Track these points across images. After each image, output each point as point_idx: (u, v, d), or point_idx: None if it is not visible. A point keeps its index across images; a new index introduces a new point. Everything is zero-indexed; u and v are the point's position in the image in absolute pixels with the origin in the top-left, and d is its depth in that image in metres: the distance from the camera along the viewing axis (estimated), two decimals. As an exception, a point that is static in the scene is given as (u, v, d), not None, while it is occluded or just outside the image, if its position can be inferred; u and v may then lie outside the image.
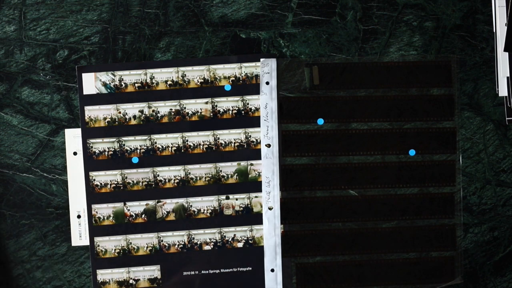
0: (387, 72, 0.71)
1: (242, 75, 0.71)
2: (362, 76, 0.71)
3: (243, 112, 0.71)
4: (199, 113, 0.71)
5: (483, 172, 0.73)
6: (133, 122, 0.71)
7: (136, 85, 0.71)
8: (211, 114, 0.71)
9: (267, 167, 0.70)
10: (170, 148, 0.71)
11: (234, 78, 0.71)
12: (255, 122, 0.71)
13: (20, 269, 0.73)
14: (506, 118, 0.73)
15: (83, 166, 0.71)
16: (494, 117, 0.73)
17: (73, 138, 0.71)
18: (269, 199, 0.71)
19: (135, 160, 0.71)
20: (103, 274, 0.71)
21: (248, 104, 0.71)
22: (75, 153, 0.71)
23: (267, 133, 0.70)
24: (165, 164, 0.71)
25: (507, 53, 0.72)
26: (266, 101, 0.69)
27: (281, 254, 0.71)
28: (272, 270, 0.71)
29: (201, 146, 0.71)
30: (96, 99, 0.71)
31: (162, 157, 0.71)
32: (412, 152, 0.71)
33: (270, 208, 0.71)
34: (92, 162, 0.71)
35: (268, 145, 0.69)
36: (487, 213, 0.73)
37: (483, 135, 0.73)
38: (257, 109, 0.71)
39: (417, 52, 0.73)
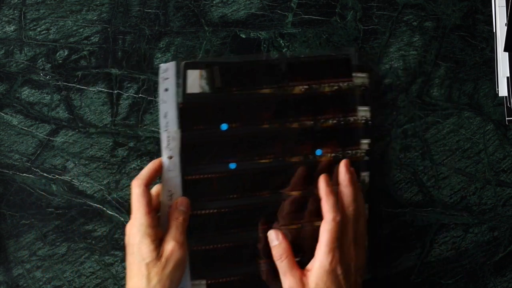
0: (290, 69, 0.66)
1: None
2: (264, 75, 0.66)
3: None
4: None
5: (483, 172, 0.74)
6: None
7: None
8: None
9: (170, 181, 0.64)
10: None
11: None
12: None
13: (20, 269, 0.73)
14: (506, 118, 0.73)
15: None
16: (494, 117, 0.73)
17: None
18: None
19: (232, 165, 0.66)
20: None
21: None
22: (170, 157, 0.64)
23: (168, 144, 0.63)
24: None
25: (507, 53, 0.72)
26: (166, 110, 0.62)
27: (190, 275, 0.64)
28: None
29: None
30: (199, 99, 0.65)
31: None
32: (318, 152, 0.67)
33: None
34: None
35: (170, 157, 0.63)
36: (487, 213, 0.73)
37: (483, 135, 0.73)
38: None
39: (417, 52, 0.73)
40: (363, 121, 0.67)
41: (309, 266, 0.63)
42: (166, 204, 0.63)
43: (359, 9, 0.73)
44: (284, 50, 0.72)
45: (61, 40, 0.72)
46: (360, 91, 0.67)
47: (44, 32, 0.72)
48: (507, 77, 0.72)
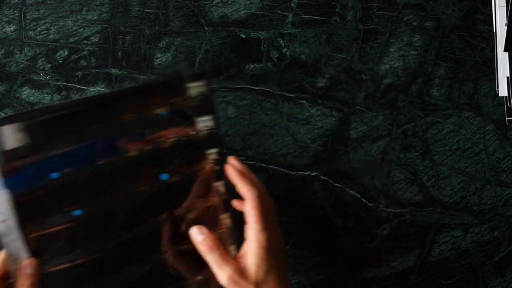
0: (118, 101, 0.61)
1: None
2: (93, 113, 0.60)
3: None
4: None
5: (483, 172, 0.74)
6: None
7: None
8: None
9: (10, 245, 0.59)
10: None
11: None
12: None
13: (20, 269, 0.72)
14: (506, 118, 0.73)
15: None
16: (494, 117, 0.73)
17: None
18: None
19: (77, 212, 0.62)
20: None
21: None
22: None
23: None
24: None
25: (507, 53, 0.72)
26: None
27: None
28: None
29: None
30: (21, 154, 0.60)
31: None
32: (164, 176, 0.62)
33: None
34: None
35: (4, 221, 0.58)
36: (487, 213, 0.73)
37: (483, 135, 0.74)
38: None
39: (417, 52, 0.73)
40: (206, 131, 0.63)
41: (242, 251, 0.59)
42: (14, 270, 0.58)
43: (359, 9, 0.73)
44: (284, 50, 0.72)
45: (61, 40, 0.72)
46: (198, 101, 0.62)
47: (44, 32, 0.72)
48: (507, 77, 0.72)
